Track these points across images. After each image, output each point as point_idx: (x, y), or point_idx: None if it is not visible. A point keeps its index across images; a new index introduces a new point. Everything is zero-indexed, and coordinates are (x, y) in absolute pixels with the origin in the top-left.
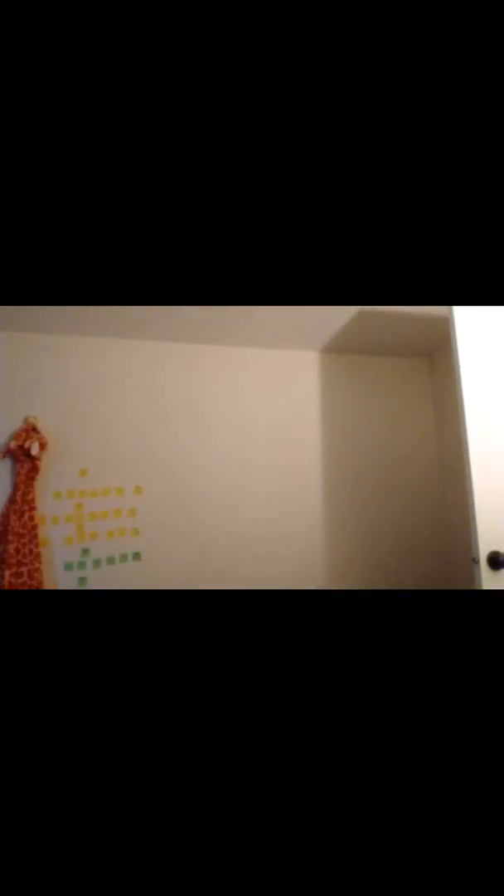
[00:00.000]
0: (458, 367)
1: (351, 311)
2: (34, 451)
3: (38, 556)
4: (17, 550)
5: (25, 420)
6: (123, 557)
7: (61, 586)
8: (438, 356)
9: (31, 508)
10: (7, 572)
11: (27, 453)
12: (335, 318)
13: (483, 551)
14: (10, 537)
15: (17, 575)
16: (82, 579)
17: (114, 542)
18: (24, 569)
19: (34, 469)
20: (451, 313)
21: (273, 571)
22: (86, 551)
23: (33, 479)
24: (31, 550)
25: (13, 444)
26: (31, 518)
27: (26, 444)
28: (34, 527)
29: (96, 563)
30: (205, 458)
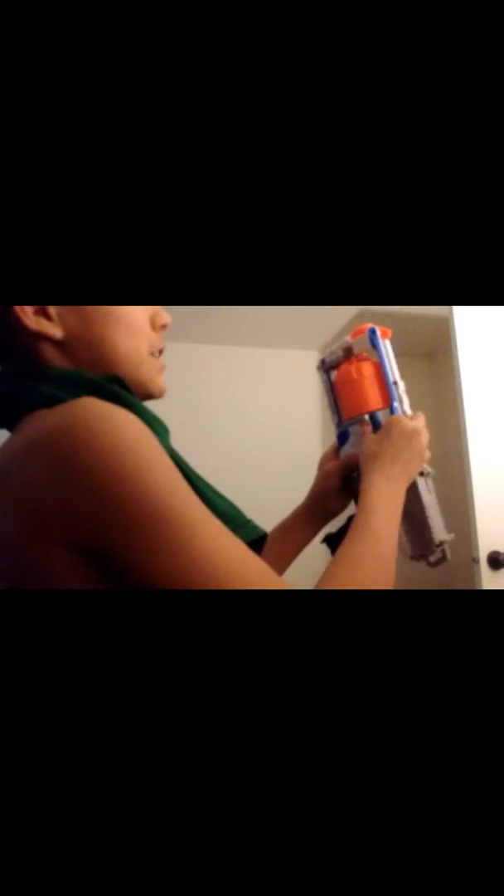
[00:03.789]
0: (458, 367)
1: (351, 311)
2: None
3: None
4: None
5: None
6: None
7: None
8: (438, 356)
9: None
10: None
11: None
12: (335, 317)
13: (483, 551)
14: None
15: None
16: None
17: None
18: None
19: None
20: (451, 313)
21: None
22: None
23: None
24: None
25: None
26: None
27: None
28: None
29: None
30: (204, 457)
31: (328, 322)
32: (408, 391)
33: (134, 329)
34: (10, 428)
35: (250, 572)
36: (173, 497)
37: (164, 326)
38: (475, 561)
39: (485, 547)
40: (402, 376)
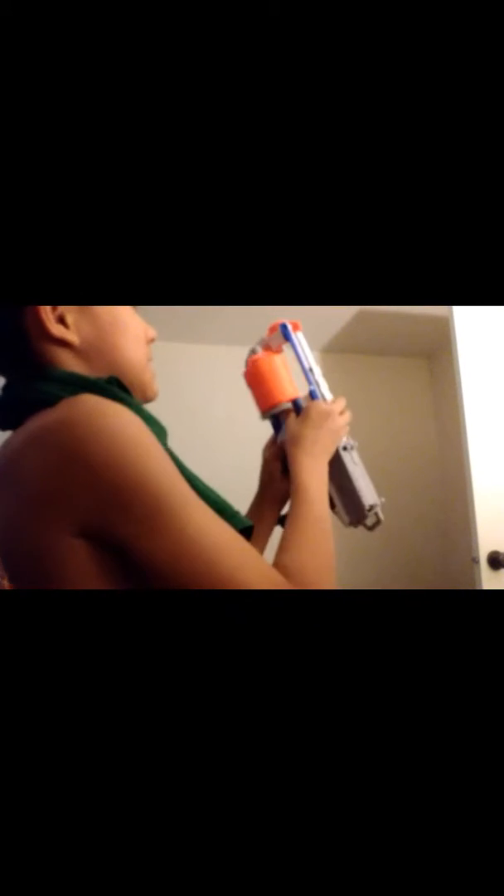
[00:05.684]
0: (458, 367)
1: (351, 311)
2: None
3: None
4: None
5: None
6: None
7: None
8: (438, 356)
9: None
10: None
11: None
12: (335, 317)
13: (483, 551)
14: None
15: None
16: None
17: None
18: None
19: None
20: (451, 313)
21: None
22: None
23: None
24: None
25: None
26: None
27: None
28: None
29: None
30: (203, 459)
31: (328, 322)
32: (408, 391)
33: (137, 338)
34: (15, 429)
35: (237, 551)
36: (168, 483)
37: (151, 340)
38: (475, 561)
39: (485, 547)
40: (403, 375)
